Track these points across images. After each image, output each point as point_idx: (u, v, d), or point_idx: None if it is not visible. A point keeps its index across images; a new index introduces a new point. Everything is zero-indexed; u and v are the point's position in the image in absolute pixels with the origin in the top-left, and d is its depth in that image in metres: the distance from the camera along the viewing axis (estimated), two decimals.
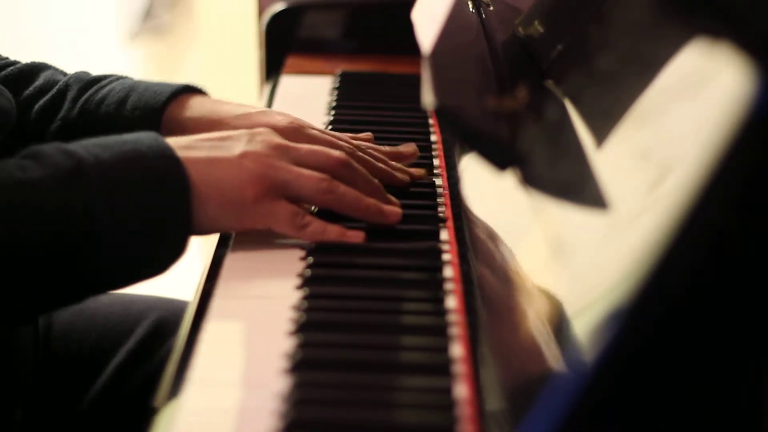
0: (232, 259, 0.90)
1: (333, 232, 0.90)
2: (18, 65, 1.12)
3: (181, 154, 0.85)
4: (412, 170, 1.02)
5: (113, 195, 0.81)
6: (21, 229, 0.79)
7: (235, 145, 0.88)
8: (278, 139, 0.91)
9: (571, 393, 0.57)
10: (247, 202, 0.87)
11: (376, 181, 0.95)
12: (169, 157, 0.85)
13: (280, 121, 0.98)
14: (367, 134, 1.06)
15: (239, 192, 0.87)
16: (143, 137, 0.86)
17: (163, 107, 1.03)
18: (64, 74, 1.11)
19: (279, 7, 1.50)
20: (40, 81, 1.09)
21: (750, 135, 0.56)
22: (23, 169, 0.81)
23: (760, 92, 0.56)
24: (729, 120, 0.57)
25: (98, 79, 1.08)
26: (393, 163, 1.01)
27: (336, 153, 0.92)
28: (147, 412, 0.73)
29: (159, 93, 1.04)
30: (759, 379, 0.58)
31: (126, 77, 1.09)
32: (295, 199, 0.90)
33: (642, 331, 0.57)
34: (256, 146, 0.89)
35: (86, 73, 1.10)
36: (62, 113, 1.06)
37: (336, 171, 0.91)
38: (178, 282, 1.03)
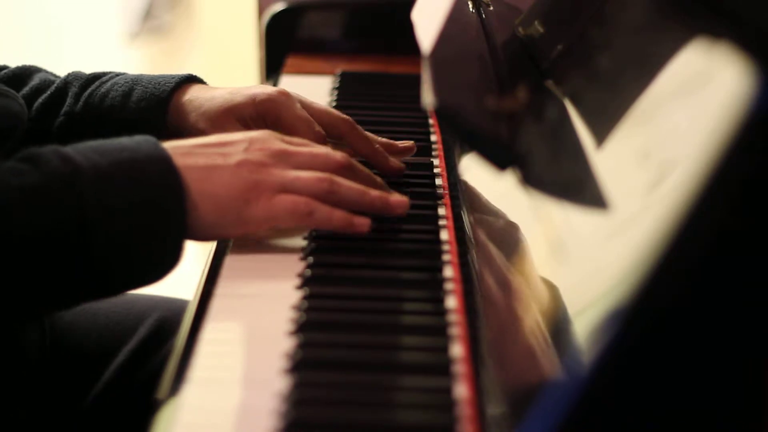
0: (232, 259, 0.90)
1: (339, 218, 0.90)
2: (10, 69, 1.13)
3: (179, 161, 0.85)
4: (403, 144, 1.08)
5: (107, 203, 0.81)
6: (15, 236, 0.79)
7: (234, 152, 0.89)
8: (278, 145, 0.91)
9: (571, 393, 0.57)
10: (243, 208, 0.87)
11: (379, 179, 0.95)
12: (165, 167, 0.85)
13: (268, 90, 1.05)
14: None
15: (235, 200, 0.87)
16: (143, 144, 0.86)
17: (169, 97, 1.06)
18: (57, 76, 1.12)
19: (279, 7, 1.50)
20: (35, 81, 1.11)
21: (750, 135, 0.56)
22: (19, 173, 0.81)
23: (760, 92, 0.56)
24: (729, 120, 0.57)
25: (98, 76, 1.10)
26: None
27: (338, 155, 0.92)
28: (149, 411, 0.73)
29: (163, 84, 1.07)
30: (759, 379, 0.58)
31: (124, 72, 1.11)
32: None
33: (642, 331, 0.57)
34: (254, 155, 0.89)
35: (83, 72, 1.11)
36: (65, 108, 1.08)
37: (337, 173, 0.91)
38: (179, 282, 1.03)
